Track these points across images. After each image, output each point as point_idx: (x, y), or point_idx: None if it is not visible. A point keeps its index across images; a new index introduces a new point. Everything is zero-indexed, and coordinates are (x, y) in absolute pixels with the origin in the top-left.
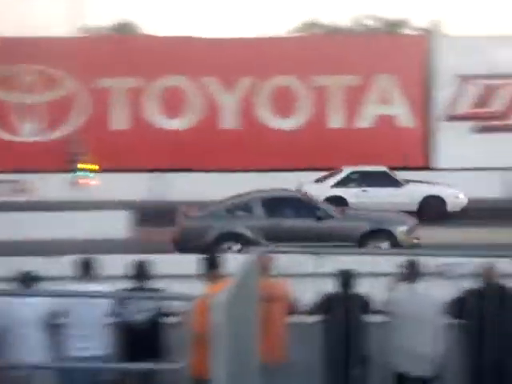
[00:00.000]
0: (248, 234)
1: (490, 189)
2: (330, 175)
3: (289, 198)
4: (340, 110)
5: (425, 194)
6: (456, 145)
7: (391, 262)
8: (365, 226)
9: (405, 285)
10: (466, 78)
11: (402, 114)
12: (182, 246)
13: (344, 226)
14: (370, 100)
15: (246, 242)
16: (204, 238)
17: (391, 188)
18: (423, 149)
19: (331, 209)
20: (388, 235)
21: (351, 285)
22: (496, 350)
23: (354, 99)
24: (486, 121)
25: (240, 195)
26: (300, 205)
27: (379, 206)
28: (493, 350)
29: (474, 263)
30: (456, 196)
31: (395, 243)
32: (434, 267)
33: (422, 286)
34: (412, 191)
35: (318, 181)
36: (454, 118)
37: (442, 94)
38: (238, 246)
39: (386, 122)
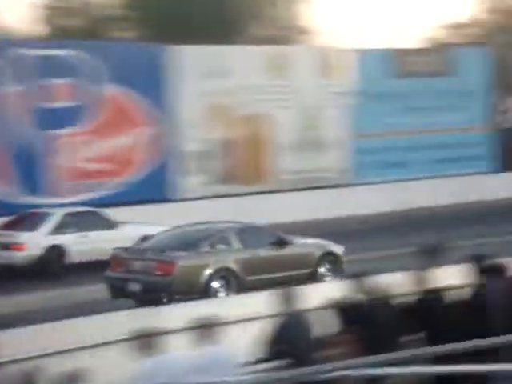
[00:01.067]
0: (237, 268)
1: None
2: (33, 219)
3: (252, 227)
4: None
5: (142, 234)
6: None
7: None
8: (317, 251)
9: None
10: None
11: None
12: (171, 294)
13: (301, 251)
14: None
15: (234, 278)
16: (199, 278)
17: (107, 230)
18: None
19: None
20: (335, 257)
21: None
22: None
23: None
24: None
25: (199, 226)
26: (262, 234)
27: (101, 251)
28: None
29: None
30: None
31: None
32: None
33: None
34: (128, 232)
35: (12, 229)
36: None
37: None
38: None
39: None
